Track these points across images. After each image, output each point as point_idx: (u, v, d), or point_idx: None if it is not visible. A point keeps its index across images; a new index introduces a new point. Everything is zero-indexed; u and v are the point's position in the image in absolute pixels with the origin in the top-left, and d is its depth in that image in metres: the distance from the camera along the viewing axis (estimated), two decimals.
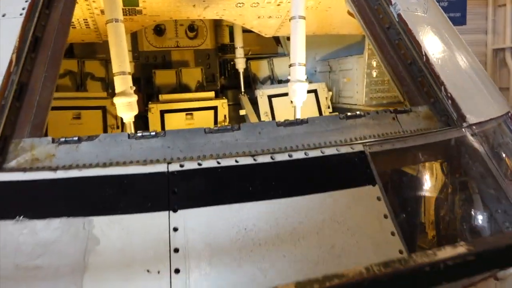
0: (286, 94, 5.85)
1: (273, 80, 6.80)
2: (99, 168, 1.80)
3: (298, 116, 3.41)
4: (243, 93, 6.21)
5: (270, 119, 5.61)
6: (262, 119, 5.62)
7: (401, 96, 2.81)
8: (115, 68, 3.00)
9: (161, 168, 1.81)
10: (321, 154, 1.96)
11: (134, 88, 3.05)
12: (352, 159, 2.00)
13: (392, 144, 2.15)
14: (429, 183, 2.23)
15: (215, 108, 5.41)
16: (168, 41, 6.69)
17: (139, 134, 1.99)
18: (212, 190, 1.79)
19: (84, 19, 3.96)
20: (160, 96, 5.38)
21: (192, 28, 6.57)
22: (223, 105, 5.40)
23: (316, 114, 5.75)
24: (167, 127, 5.29)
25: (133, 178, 1.78)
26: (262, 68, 6.90)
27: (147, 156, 1.93)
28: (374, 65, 5.35)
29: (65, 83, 5.83)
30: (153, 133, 2.00)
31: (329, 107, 5.82)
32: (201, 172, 1.81)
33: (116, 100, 2.99)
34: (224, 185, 1.81)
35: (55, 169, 1.80)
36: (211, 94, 5.55)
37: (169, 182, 1.77)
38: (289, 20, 3.36)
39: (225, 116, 5.46)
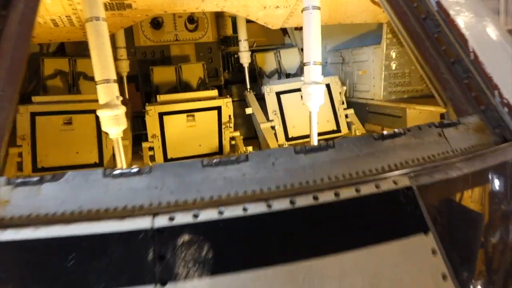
0: (296, 90, 5.39)
1: (281, 73, 6.30)
2: (61, 225, 1.34)
3: (314, 124, 2.93)
4: (248, 90, 5.72)
5: (279, 118, 5.13)
6: (270, 118, 5.14)
7: (442, 103, 2.31)
8: (97, 76, 2.54)
9: (144, 223, 1.35)
10: (355, 195, 1.49)
11: (121, 98, 2.59)
12: (396, 198, 1.53)
13: (445, 172, 1.67)
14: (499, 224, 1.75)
15: (218, 108, 4.94)
16: (166, 34, 6.19)
17: (117, 172, 1.53)
18: (213, 253, 1.33)
19: (67, 16, 3.48)
20: (158, 96, 4.91)
21: (192, 20, 6.07)
22: (227, 105, 4.93)
23: (329, 111, 5.26)
24: (166, 131, 4.84)
25: (107, 239, 1.32)
26: (268, 61, 6.40)
27: (127, 200, 1.48)
28: (393, 56, 4.83)
29: (56, 84, 5.37)
30: (136, 170, 1.54)
31: (343, 103, 5.32)
32: (198, 228, 1.36)
33: (99, 113, 2.54)
34: (229, 246, 1.35)
35: (5, 225, 1.36)
36: (214, 92, 5.07)
37: (155, 244, 1.32)
38: (301, 11, 2.86)
39: (229, 116, 4.98)
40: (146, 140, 4.81)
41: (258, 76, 6.24)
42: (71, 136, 4.57)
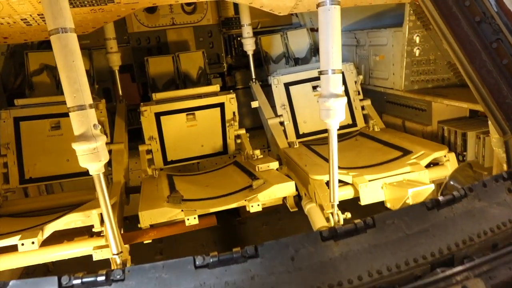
0: (306, 81, 4.85)
1: (289, 57, 5.74)
2: None
3: (335, 144, 2.45)
4: (254, 80, 5.19)
5: (289, 113, 4.63)
6: (278, 113, 4.64)
7: (498, 129, 1.82)
8: (68, 101, 2.07)
9: None
10: None
11: (99, 127, 2.13)
12: None
13: None
14: None
15: (221, 105, 4.45)
16: (162, 19, 5.63)
17: (77, 282, 1.10)
18: None
19: (39, 14, 2.97)
20: (153, 94, 4.42)
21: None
22: (230, 101, 4.44)
23: None
24: (165, 132, 4.38)
25: None
26: (274, 44, 5.82)
27: None
28: (417, 41, 4.26)
29: (43, 80, 4.90)
30: (102, 278, 1.11)
31: (359, 93, 4.79)
32: None
33: (74, 146, 2.09)
34: None
35: None
36: (216, 87, 4.58)
37: None
38: (316, 6, 2.32)
39: (234, 113, 4.50)
40: (143, 138, 4.35)
41: (264, 62, 5.69)
42: (60, 142, 4.13)
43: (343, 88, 2.39)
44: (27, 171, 4.06)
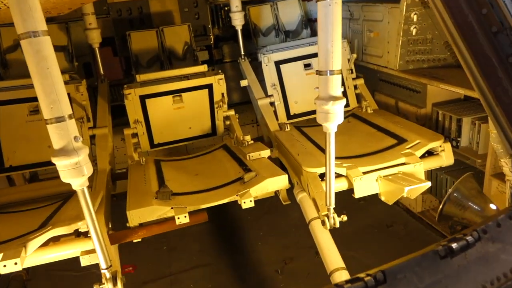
0: (298, 59, 4.64)
1: (279, 30, 5.47)
2: None
3: (332, 150, 2.34)
4: (242, 57, 4.96)
5: (279, 93, 4.47)
6: (269, 93, 4.47)
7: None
8: (45, 113, 1.89)
9: None
10: None
11: (81, 138, 1.96)
12: None
13: None
14: None
15: (209, 86, 4.25)
16: None
17: None
18: None
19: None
20: (137, 76, 4.19)
21: None
22: (219, 82, 4.23)
23: None
24: (150, 115, 4.20)
25: None
26: (264, 15, 5.52)
27: None
28: (415, 19, 4.07)
29: (17, 57, 4.58)
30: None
31: (352, 72, 4.62)
32: None
33: (55, 161, 1.93)
34: None
35: None
36: (203, 67, 4.35)
37: None
38: (316, 1, 2.13)
39: (222, 94, 4.31)
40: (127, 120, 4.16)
41: (252, 34, 5.42)
42: (40, 127, 3.90)
43: (342, 89, 2.25)
44: (6, 159, 3.87)
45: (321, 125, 2.36)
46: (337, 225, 2.57)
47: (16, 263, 2.13)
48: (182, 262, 4.68)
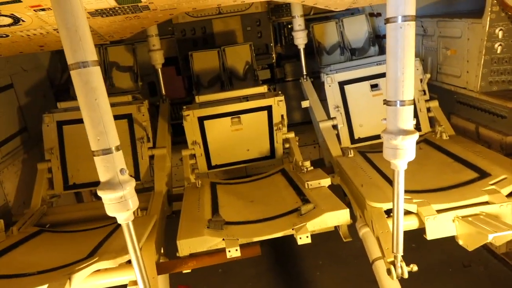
0: (365, 79, 4.33)
1: (344, 48, 5.21)
2: None
3: (401, 188, 2.04)
4: (305, 77, 4.77)
5: (343, 114, 4.19)
6: (332, 115, 4.22)
7: None
8: (92, 144, 1.83)
9: None
10: None
11: (127, 171, 1.88)
12: None
13: None
14: None
15: (268, 108, 4.09)
16: (207, 8, 5.28)
17: None
18: None
19: (54, 29, 2.74)
20: (196, 97, 4.15)
21: None
22: (278, 103, 4.07)
23: None
24: (209, 136, 4.13)
25: None
26: (328, 33, 5.31)
27: None
28: (500, 35, 3.62)
29: None
30: None
31: (424, 93, 4.22)
32: None
33: (100, 194, 1.86)
34: None
35: None
36: (263, 88, 4.21)
37: None
38: (385, 22, 1.88)
39: (282, 116, 4.14)
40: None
41: (316, 53, 5.21)
42: None
43: (414, 121, 1.96)
44: (71, 177, 4.00)
45: None
46: (405, 276, 2.24)
47: None
48: (236, 286, 4.53)
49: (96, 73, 1.76)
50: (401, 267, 2.24)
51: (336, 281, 4.33)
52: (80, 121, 4.22)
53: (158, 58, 4.68)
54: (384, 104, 1.98)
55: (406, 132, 1.92)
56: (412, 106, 1.93)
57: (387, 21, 1.87)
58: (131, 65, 4.97)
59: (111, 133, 1.83)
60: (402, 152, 1.94)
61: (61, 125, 4.05)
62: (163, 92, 4.84)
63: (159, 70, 4.76)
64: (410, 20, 1.81)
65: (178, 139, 4.61)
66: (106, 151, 1.81)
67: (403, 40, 1.82)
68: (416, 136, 1.95)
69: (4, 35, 2.63)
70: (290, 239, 5.01)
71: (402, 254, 2.23)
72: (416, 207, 2.78)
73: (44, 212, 3.64)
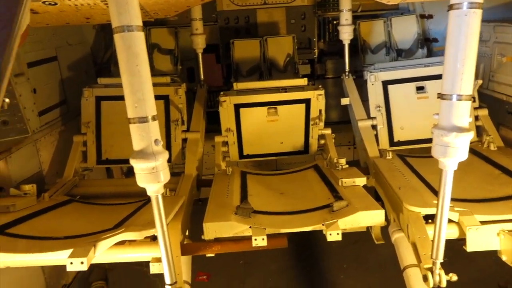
0: (410, 80, 4.15)
1: (390, 48, 5.02)
2: None
3: (448, 191, 1.90)
4: (347, 73, 4.61)
5: (384, 115, 4.03)
6: (372, 115, 4.07)
7: None
8: (129, 111, 1.79)
9: None
10: None
11: (161, 142, 1.83)
12: None
13: None
14: None
15: (307, 101, 3.98)
16: None
17: None
18: None
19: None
20: (234, 84, 4.09)
21: None
22: (318, 98, 3.95)
23: None
24: (243, 125, 4.06)
25: None
26: (375, 31, 5.13)
27: None
28: None
29: None
30: None
31: (474, 100, 3.99)
32: None
33: (132, 163, 1.82)
34: None
35: None
36: (303, 81, 4.10)
37: None
38: (448, 9, 1.74)
39: (320, 111, 4.01)
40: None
41: (360, 51, 5.05)
42: None
43: (471, 119, 1.81)
44: (104, 152, 4.03)
45: (430, 157, 1.95)
46: (443, 284, 2.09)
47: (82, 262, 2.08)
48: (257, 280, 4.45)
49: (140, 38, 1.72)
50: (439, 274, 2.08)
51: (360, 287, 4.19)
52: (119, 98, 4.23)
53: (200, 42, 4.65)
54: (438, 97, 1.85)
55: (460, 130, 1.78)
56: (470, 102, 1.79)
57: (450, 7, 1.73)
58: (172, 48, 4.97)
59: (149, 101, 1.78)
60: (454, 151, 1.80)
61: (100, 101, 4.09)
62: (202, 77, 4.81)
63: (200, 54, 4.73)
64: (476, 8, 1.67)
65: (211, 128, 4.57)
66: (143, 119, 1.77)
67: (466, 28, 1.68)
68: (471, 135, 1.81)
69: (53, 3, 2.64)
70: (316, 238, 4.89)
71: (442, 261, 2.08)
72: (457, 215, 2.60)
73: (76, 184, 3.68)
